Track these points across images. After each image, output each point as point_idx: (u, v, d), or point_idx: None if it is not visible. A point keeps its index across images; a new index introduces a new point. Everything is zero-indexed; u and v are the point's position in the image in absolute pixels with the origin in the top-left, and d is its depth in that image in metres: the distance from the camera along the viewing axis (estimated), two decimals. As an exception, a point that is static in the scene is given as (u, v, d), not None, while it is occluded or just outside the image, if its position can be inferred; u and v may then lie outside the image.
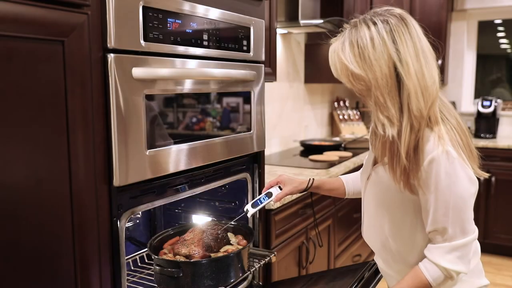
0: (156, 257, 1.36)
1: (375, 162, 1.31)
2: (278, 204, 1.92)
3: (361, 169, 1.43)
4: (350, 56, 1.12)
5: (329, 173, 2.47)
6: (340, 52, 1.15)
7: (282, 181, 1.51)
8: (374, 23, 1.11)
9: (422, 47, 1.11)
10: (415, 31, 1.12)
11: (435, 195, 1.11)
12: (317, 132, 3.95)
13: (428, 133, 1.11)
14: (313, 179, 1.53)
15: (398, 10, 1.15)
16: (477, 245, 1.27)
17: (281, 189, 1.51)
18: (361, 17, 1.17)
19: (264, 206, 1.51)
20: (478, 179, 1.17)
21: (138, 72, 1.16)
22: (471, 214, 1.14)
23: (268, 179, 2.24)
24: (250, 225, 1.75)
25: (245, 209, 1.48)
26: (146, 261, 1.72)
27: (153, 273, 1.41)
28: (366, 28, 1.12)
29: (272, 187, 1.53)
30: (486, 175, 1.19)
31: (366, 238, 1.38)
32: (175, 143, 1.33)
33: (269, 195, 1.50)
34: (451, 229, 1.12)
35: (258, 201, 1.49)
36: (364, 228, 1.39)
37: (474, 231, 1.16)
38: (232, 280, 1.40)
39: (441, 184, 1.09)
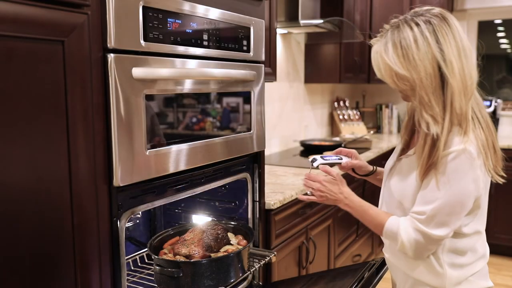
0: (156, 257, 1.36)
1: (401, 153, 1.34)
2: (278, 204, 1.92)
3: (388, 160, 1.45)
4: (394, 57, 1.14)
5: (329, 173, 2.47)
6: (383, 54, 1.16)
7: (353, 153, 1.52)
8: (417, 24, 1.13)
9: (463, 45, 1.14)
10: (456, 30, 1.14)
11: (437, 185, 1.14)
12: (317, 132, 3.95)
13: (456, 128, 1.14)
14: (376, 167, 1.55)
15: (438, 9, 1.17)
16: (486, 249, 1.28)
17: (341, 160, 1.51)
18: (401, 17, 1.19)
19: (331, 164, 1.48)
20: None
21: (138, 72, 1.16)
22: (457, 213, 1.15)
23: (268, 179, 2.25)
24: (250, 225, 1.75)
25: (311, 159, 1.47)
26: (146, 261, 1.72)
27: (153, 273, 1.40)
28: (409, 29, 1.13)
29: (342, 154, 1.53)
30: (501, 180, 1.20)
31: None
32: (175, 143, 1.33)
33: (338, 157, 1.49)
34: (429, 216, 1.15)
35: (327, 157, 1.48)
36: None
37: (448, 232, 1.16)
38: (232, 280, 1.40)
39: (445, 178, 1.12)
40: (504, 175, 1.21)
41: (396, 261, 1.33)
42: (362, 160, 1.54)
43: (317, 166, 1.46)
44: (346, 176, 1.48)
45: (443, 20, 1.14)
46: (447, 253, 1.21)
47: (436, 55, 1.11)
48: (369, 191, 3.14)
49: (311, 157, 1.50)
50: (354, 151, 1.54)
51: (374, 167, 1.54)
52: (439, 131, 1.12)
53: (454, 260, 1.22)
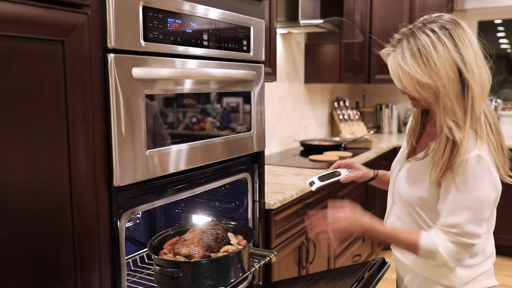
0: (156, 257, 1.36)
1: (408, 156, 1.34)
2: (278, 204, 1.92)
3: (394, 161, 1.45)
4: (414, 66, 1.12)
5: (329, 173, 2.47)
6: (402, 63, 1.14)
7: (352, 164, 1.52)
8: (432, 30, 1.12)
9: (477, 50, 1.14)
10: (471, 34, 1.14)
11: (457, 191, 1.14)
12: (317, 132, 3.95)
13: (470, 132, 1.14)
14: (378, 171, 1.55)
15: (448, 16, 1.16)
16: (493, 249, 1.31)
17: (349, 172, 1.51)
18: (411, 26, 1.17)
19: (330, 183, 1.48)
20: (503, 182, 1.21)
21: (138, 72, 1.16)
22: (484, 219, 1.16)
23: (268, 179, 2.25)
24: (250, 225, 1.75)
25: (309, 182, 1.47)
26: (146, 261, 1.72)
27: (153, 273, 1.40)
28: (426, 35, 1.12)
29: (340, 167, 1.53)
30: (510, 180, 1.21)
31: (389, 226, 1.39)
32: (175, 143, 1.33)
33: (336, 173, 1.49)
34: (461, 227, 1.15)
35: (324, 176, 1.47)
36: (386, 217, 1.41)
37: (480, 236, 1.17)
38: (232, 280, 1.40)
39: (466, 185, 1.13)
40: (510, 180, 1.21)
41: (405, 259, 1.33)
42: (361, 168, 1.53)
43: (317, 189, 1.47)
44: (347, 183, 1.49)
45: (458, 25, 1.14)
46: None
47: (456, 60, 1.10)
48: (371, 191, 3.15)
49: (309, 180, 1.49)
50: (352, 161, 1.54)
51: (375, 172, 1.53)
52: (462, 136, 1.12)
53: (465, 260, 1.22)
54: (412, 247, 1.20)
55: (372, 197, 3.21)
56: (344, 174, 1.50)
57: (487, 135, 1.15)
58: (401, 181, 1.32)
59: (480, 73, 1.12)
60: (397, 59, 1.15)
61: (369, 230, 1.25)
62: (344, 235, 1.25)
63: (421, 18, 1.19)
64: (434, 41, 1.11)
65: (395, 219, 1.36)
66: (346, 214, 1.25)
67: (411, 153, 1.34)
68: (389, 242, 1.28)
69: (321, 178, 1.48)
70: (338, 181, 1.50)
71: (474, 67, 1.11)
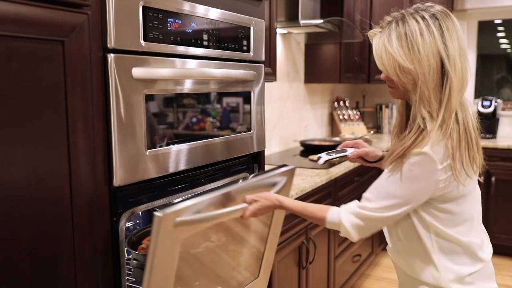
0: (132, 251, 1.39)
1: None
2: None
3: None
4: (398, 49, 1.12)
5: (329, 173, 2.47)
6: (387, 44, 1.14)
7: (360, 143, 1.51)
8: (423, 17, 1.12)
9: (463, 45, 1.14)
10: (459, 29, 1.15)
11: (388, 178, 1.17)
12: (317, 132, 3.95)
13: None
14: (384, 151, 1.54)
15: (440, 7, 1.16)
16: (484, 251, 1.25)
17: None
18: (403, 11, 1.17)
19: (338, 158, 1.49)
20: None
21: (138, 72, 1.16)
22: (389, 204, 1.17)
23: (268, 179, 2.24)
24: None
25: (317, 157, 1.48)
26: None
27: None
28: (415, 21, 1.12)
29: (347, 147, 1.52)
30: (466, 185, 1.17)
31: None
32: (175, 143, 1.33)
33: (343, 151, 1.49)
34: (372, 203, 1.18)
35: (332, 152, 1.47)
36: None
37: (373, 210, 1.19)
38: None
39: (405, 177, 1.13)
40: (465, 185, 1.17)
41: (397, 260, 1.33)
42: (369, 147, 1.52)
43: (324, 163, 1.46)
44: (354, 172, 1.48)
45: (448, 16, 1.14)
46: (438, 252, 1.21)
47: (440, 50, 1.10)
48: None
49: (316, 156, 1.49)
50: (359, 140, 1.53)
51: (384, 152, 1.51)
52: (434, 128, 1.11)
53: (445, 260, 1.21)
54: (320, 219, 1.28)
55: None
56: (350, 151, 1.49)
57: (450, 133, 1.12)
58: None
59: (462, 68, 1.12)
60: (382, 40, 1.16)
61: (281, 205, 1.33)
62: (261, 210, 1.33)
63: (414, 6, 1.18)
64: (422, 28, 1.11)
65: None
66: (261, 194, 1.35)
67: None
68: (301, 214, 1.33)
69: (328, 154, 1.48)
70: (346, 158, 1.49)
71: (457, 60, 1.10)
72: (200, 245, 1.33)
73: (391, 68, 1.15)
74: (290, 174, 1.52)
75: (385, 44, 1.15)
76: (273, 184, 1.46)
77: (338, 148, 1.53)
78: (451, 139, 1.12)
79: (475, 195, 1.25)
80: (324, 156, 1.46)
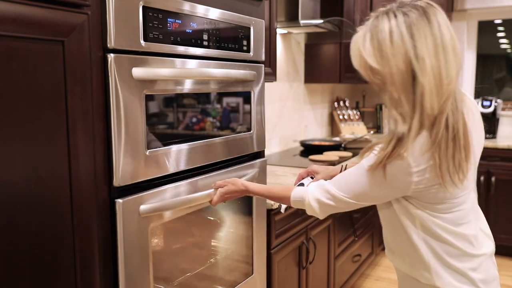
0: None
1: None
2: (278, 204, 1.92)
3: None
4: (369, 49, 1.10)
5: (329, 173, 2.47)
6: (360, 44, 1.13)
7: (313, 170, 1.50)
8: (395, 16, 1.08)
9: (443, 42, 1.07)
10: (437, 25, 1.07)
11: (360, 171, 1.17)
12: (317, 132, 3.95)
13: (424, 133, 1.08)
14: (346, 165, 1.50)
15: (423, 3, 1.11)
16: (474, 249, 1.23)
17: (312, 179, 1.47)
18: (383, 9, 1.13)
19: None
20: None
21: (138, 72, 1.16)
22: (354, 196, 1.19)
23: (268, 179, 2.24)
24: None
25: (278, 206, 1.51)
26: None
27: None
28: (387, 20, 1.09)
29: (303, 178, 1.49)
30: (454, 195, 1.15)
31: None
32: (175, 143, 1.33)
33: (300, 186, 1.44)
34: (339, 188, 1.21)
35: None
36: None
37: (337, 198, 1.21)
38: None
39: (382, 178, 1.12)
40: (453, 192, 1.14)
41: (392, 258, 1.33)
42: (323, 170, 1.48)
43: (286, 210, 1.48)
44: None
45: (423, 14, 1.08)
46: (430, 254, 1.19)
47: (408, 51, 1.05)
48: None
49: (278, 205, 1.51)
50: (312, 167, 1.50)
51: (342, 167, 1.49)
52: (406, 131, 1.07)
53: (437, 256, 1.19)
54: (284, 198, 1.33)
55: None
56: (306, 184, 1.44)
57: (439, 142, 1.07)
58: None
59: (436, 68, 1.05)
60: (357, 38, 1.14)
61: (246, 189, 1.41)
62: (228, 194, 1.43)
63: (399, 0, 1.14)
64: (392, 28, 1.07)
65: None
66: (229, 180, 1.45)
67: None
68: (268, 197, 1.39)
69: None
70: None
71: (427, 60, 1.05)
72: (178, 240, 1.34)
73: (362, 68, 1.13)
74: (262, 166, 1.57)
75: (358, 43, 1.13)
76: (244, 175, 1.59)
77: (294, 182, 1.50)
78: (438, 148, 1.07)
79: (470, 199, 1.21)
80: (283, 205, 1.45)
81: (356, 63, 1.16)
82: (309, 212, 1.28)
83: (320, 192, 1.23)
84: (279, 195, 1.35)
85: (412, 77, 1.06)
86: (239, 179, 1.46)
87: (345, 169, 1.48)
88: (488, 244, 1.28)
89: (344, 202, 1.20)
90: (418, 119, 1.06)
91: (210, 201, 1.44)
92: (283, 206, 1.47)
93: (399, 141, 1.09)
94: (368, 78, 1.14)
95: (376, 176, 1.13)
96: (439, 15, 1.09)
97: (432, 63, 1.05)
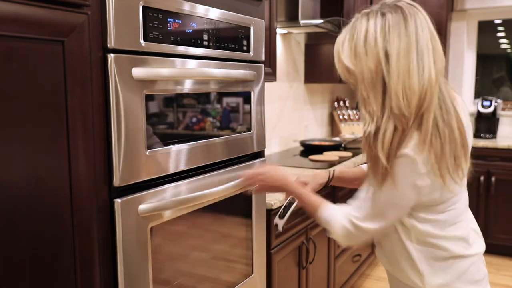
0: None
1: None
2: (278, 204, 1.92)
3: None
4: (346, 50, 1.12)
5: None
6: (340, 45, 1.14)
7: (302, 181, 1.46)
8: (373, 17, 1.10)
9: (419, 42, 1.06)
10: (414, 26, 1.07)
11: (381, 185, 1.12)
12: (317, 132, 3.95)
13: (415, 133, 1.07)
14: (334, 170, 1.49)
15: (404, 3, 1.11)
16: (464, 251, 1.21)
17: None
18: (370, 8, 1.14)
19: (291, 212, 1.42)
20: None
21: (138, 72, 1.16)
22: (385, 217, 1.15)
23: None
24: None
25: (274, 224, 1.44)
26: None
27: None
28: (365, 21, 1.10)
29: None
30: (454, 193, 1.15)
31: None
32: (175, 143, 1.33)
33: (291, 201, 1.42)
34: (365, 213, 1.16)
35: (283, 211, 1.42)
36: None
37: (370, 232, 1.17)
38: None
39: (391, 180, 1.09)
40: (453, 192, 1.15)
41: (382, 261, 1.33)
42: (310, 181, 1.45)
43: (283, 227, 1.41)
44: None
45: (401, 14, 1.08)
46: (421, 258, 1.19)
47: (379, 51, 1.06)
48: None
49: (274, 223, 1.45)
50: (298, 180, 1.46)
51: (330, 175, 1.48)
52: (372, 130, 1.08)
53: (428, 266, 1.18)
54: (315, 215, 1.27)
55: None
56: None
57: (430, 140, 1.06)
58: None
59: (405, 68, 1.05)
60: (339, 39, 1.16)
61: (287, 184, 1.35)
62: (267, 187, 1.38)
63: (383, 1, 1.15)
64: (368, 29, 1.08)
65: None
66: (273, 170, 1.38)
67: None
68: (302, 203, 1.33)
69: (280, 216, 1.42)
70: (297, 206, 1.42)
71: (395, 61, 1.05)
72: (178, 239, 1.34)
73: (339, 68, 1.15)
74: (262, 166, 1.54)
75: (338, 43, 1.15)
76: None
77: (285, 198, 1.44)
78: (431, 147, 1.07)
79: (462, 200, 1.22)
80: (279, 222, 1.41)
81: (336, 63, 1.17)
82: (334, 237, 1.24)
83: (342, 216, 1.19)
84: (309, 205, 1.29)
85: (382, 77, 1.07)
86: (285, 173, 1.38)
87: (333, 175, 1.48)
88: (480, 243, 1.27)
89: (363, 230, 1.16)
90: (387, 120, 1.07)
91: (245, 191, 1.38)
92: (280, 224, 1.41)
93: (375, 139, 1.08)
94: (344, 78, 1.16)
95: (388, 187, 1.10)
96: (419, 15, 1.09)
97: (401, 63, 1.05)
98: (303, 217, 2.20)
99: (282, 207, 1.43)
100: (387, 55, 1.06)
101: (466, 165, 1.14)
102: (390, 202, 1.12)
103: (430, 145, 1.06)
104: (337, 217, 1.21)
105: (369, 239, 1.23)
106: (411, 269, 1.20)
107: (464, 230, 1.21)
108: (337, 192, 2.58)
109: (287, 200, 1.43)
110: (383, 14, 1.09)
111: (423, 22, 1.09)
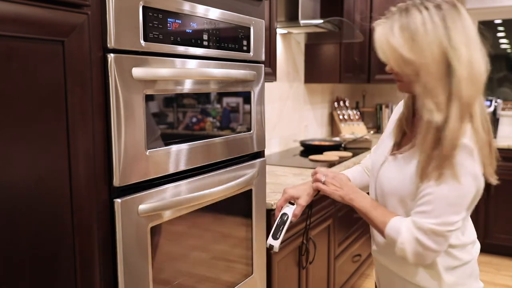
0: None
1: (392, 149, 1.29)
2: (270, 233, 1.88)
3: (371, 155, 1.40)
4: (400, 40, 1.10)
5: (329, 173, 2.47)
6: (389, 36, 1.12)
7: (291, 195, 1.41)
8: (426, 8, 1.10)
9: (473, 37, 1.10)
10: (467, 19, 1.11)
11: (437, 181, 1.09)
12: (317, 132, 3.95)
13: (468, 126, 1.10)
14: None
15: None
16: (476, 251, 1.25)
17: (292, 204, 1.41)
18: (409, 2, 1.14)
19: (285, 232, 1.38)
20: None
21: (138, 72, 1.16)
22: (459, 210, 1.11)
23: (268, 179, 2.24)
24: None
25: (268, 246, 1.38)
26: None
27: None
28: (418, 12, 1.10)
29: (283, 208, 1.41)
30: (494, 181, 1.16)
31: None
32: (175, 143, 1.33)
33: (283, 217, 1.39)
34: (435, 218, 1.10)
35: (276, 230, 1.37)
36: None
37: (455, 225, 1.12)
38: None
39: (450, 172, 1.08)
40: (496, 176, 1.18)
41: (385, 261, 1.32)
42: (302, 193, 1.41)
43: (279, 247, 1.37)
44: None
45: (453, 6, 1.11)
46: (442, 255, 1.19)
47: (443, 40, 1.07)
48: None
49: (267, 245, 1.39)
50: (287, 194, 1.42)
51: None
52: (442, 119, 1.08)
53: (449, 262, 1.20)
54: (380, 232, 1.21)
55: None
56: (290, 214, 1.39)
57: (477, 131, 1.10)
58: (385, 175, 1.26)
59: (470, 60, 1.07)
60: (385, 30, 1.14)
61: (350, 199, 1.29)
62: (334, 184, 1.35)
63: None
64: (425, 18, 1.09)
65: None
66: (341, 179, 1.36)
67: (396, 146, 1.29)
68: (364, 216, 1.26)
69: (274, 236, 1.37)
70: (292, 220, 1.40)
71: (463, 51, 1.07)
72: (178, 239, 1.33)
73: (393, 59, 1.13)
74: (262, 166, 1.53)
75: (387, 35, 1.13)
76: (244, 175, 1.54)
77: (276, 215, 1.41)
78: (480, 139, 1.10)
79: None
80: (274, 243, 1.35)
81: (384, 55, 1.15)
82: (400, 255, 1.17)
83: (409, 229, 1.13)
84: (376, 221, 1.22)
85: (447, 66, 1.08)
86: (350, 184, 1.35)
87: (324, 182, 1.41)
88: (477, 246, 1.30)
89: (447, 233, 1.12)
90: (457, 109, 1.07)
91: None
92: (276, 245, 1.36)
93: (437, 131, 1.08)
94: (399, 69, 1.14)
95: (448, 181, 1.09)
96: (465, 10, 1.12)
97: (467, 53, 1.07)
98: (303, 217, 2.19)
99: (274, 225, 1.38)
100: (451, 45, 1.07)
101: (495, 163, 1.19)
102: (456, 195, 1.10)
103: (478, 136, 1.10)
104: (404, 235, 1.14)
105: (445, 247, 1.15)
106: (425, 271, 1.21)
107: (472, 236, 1.25)
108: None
109: (279, 218, 1.39)
110: (437, 6, 1.10)
111: (469, 18, 1.12)
